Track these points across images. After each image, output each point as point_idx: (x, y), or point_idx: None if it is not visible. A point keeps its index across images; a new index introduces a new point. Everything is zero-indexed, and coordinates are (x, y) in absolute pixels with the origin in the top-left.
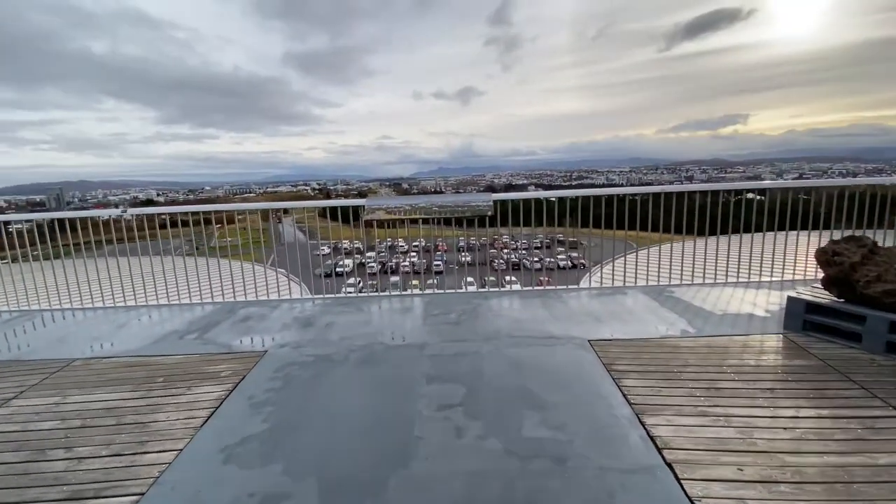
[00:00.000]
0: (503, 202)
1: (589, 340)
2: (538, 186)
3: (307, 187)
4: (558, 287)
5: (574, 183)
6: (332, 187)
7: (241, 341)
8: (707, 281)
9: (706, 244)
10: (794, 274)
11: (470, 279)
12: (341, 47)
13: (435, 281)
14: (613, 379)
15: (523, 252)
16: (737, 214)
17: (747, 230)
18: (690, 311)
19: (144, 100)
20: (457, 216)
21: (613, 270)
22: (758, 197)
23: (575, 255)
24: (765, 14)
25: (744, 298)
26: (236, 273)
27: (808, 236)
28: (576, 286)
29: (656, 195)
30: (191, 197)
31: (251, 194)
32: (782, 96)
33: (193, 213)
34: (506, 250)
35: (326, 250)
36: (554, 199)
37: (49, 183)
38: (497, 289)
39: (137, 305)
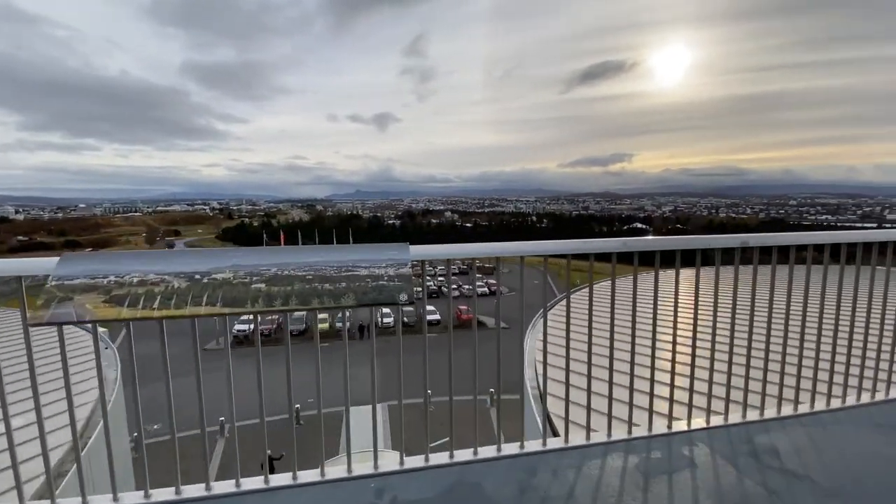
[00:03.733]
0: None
1: None
2: (454, 212)
3: (206, 207)
4: (567, 446)
5: (487, 210)
6: (235, 207)
7: None
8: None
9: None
10: None
11: (386, 310)
12: (250, 62)
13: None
14: None
15: (441, 279)
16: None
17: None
18: None
19: (5, 102)
20: (323, 307)
21: (569, 323)
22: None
23: (493, 281)
24: (644, 68)
25: None
26: None
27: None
28: (585, 443)
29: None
30: (59, 215)
31: (137, 213)
32: (660, 139)
33: None
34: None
35: None
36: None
37: None
38: (446, 459)
39: None
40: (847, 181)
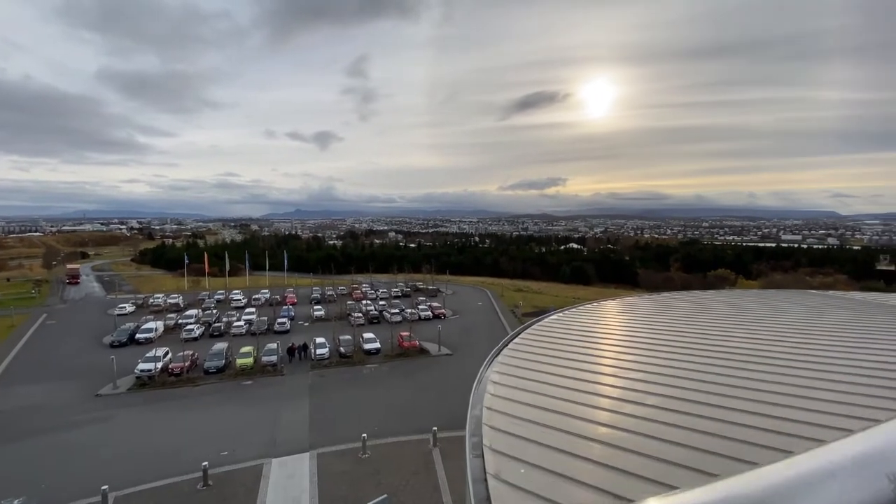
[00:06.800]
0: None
1: None
2: (398, 232)
3: (123, 226)
4: None
5: (431, 231)
6: (157, 227)
7: None
8: None
9: None
10: None
11: (321, 339)
12: (177, 72)
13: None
14: None
15: (382, 303)
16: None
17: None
18: None
19: None
20: None
21: None
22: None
23: (436, 304)
24: (575, 99)
25: None
26: None
27: None
28: None
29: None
30: None
31: (37, 233)
32: (590, 165)
33: None
34: (365, 301)
35: (129, 308)
36: None
37: None
38: None
39: None
40: (749, 206)
